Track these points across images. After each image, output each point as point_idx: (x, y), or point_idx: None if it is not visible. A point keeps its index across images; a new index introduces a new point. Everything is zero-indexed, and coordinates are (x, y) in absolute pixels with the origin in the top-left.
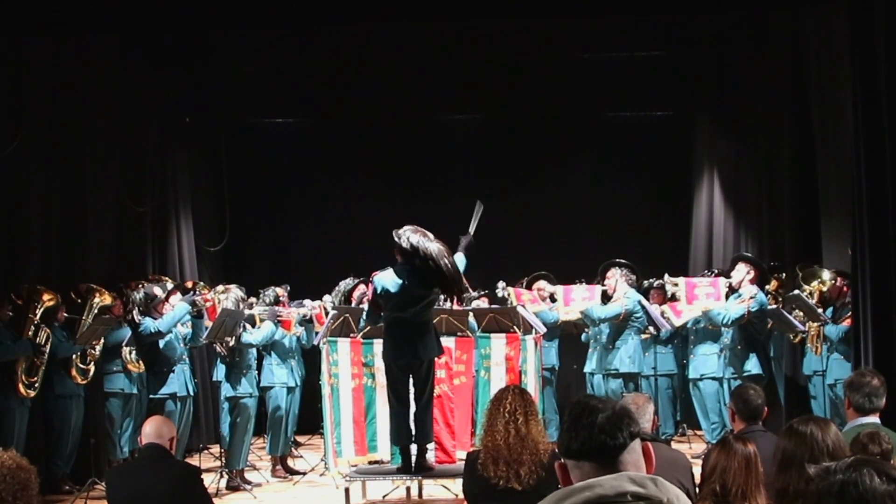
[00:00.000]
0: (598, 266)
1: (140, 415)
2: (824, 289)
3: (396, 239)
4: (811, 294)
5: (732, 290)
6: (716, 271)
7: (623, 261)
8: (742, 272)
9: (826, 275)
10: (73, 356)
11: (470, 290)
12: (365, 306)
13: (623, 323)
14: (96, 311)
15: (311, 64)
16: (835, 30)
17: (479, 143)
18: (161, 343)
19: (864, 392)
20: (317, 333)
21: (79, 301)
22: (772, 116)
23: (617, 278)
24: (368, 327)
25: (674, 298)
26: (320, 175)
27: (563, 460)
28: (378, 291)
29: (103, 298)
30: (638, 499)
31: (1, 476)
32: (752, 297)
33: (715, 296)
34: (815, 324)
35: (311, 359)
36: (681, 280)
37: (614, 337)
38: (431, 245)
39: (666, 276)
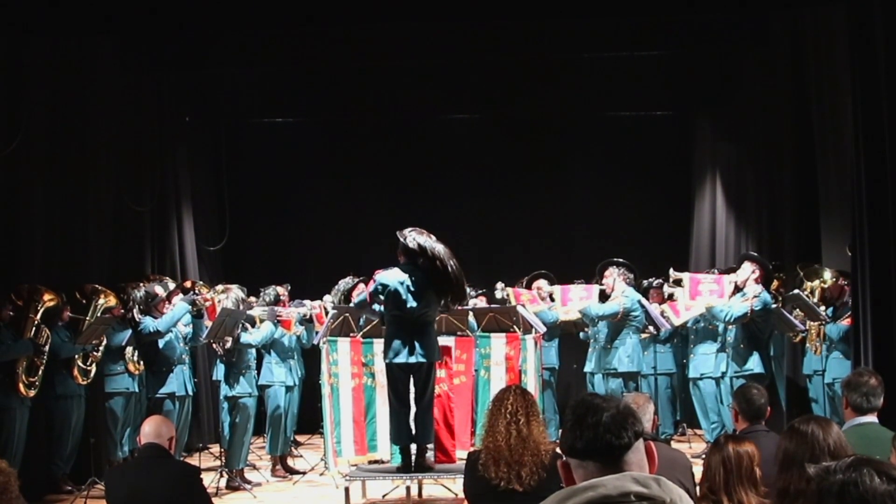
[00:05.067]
0: (597, 266)
1: (139, 414)
2: (826, 285)
3: (402, 239)
4: (811, 292)
5: (738, 289)
6: (717, 271)
7: (621, 260)
8: (747, 271)
9: (827, 274)
10: (76, 356)
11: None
12: None
13: (621, 322)
14: (100, 312)
15: (311, 64)
16: (835, 30)
17: (479, 143)
18: (161, 343)
19: (861, 392)
20: (317, 333)
21: (84, 302)
22: (772, 116)
23: (615, 277)
24: (368, 327)
25: (671, 298)
26: (320, 175)
27: (566, 459)
28: (380, 290)
29: (108, 300)
30: (641, 499)
31: None
32: (755, 296)
33: (718, 293)
34: (816, 323)
35: (311, 358)
36: (685, 275)
37: (612, 336)
38: (438, 246)
39: (671, 270)
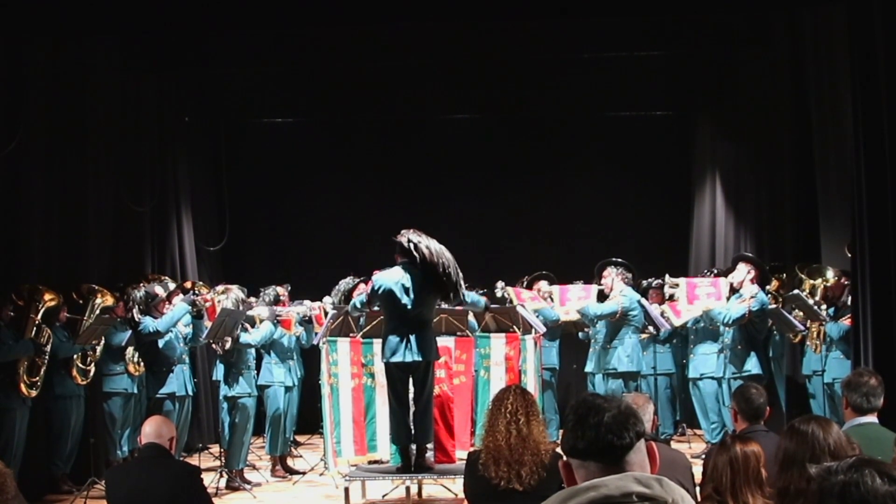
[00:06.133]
0: (596, 266)
1: (139, 415)
2: (828, 283)
3: (396, 239)
4: (813, 290)
5: (734, 291)
6: (715, 271)
7: (619, 259)
8: (742, 272)
9: (830, 273)
10: (74, 356)
11: (464, 295)
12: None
13: (620, 321)
14: (98, 311)
15: (311, 64)
16: (835, 30)
17: (479, 143)
18: (161, 343)
19: (861, 392)
20: (316, 334)
21: (81, 301)
22: (772, 116)
23: (613, 277)
24: (368, 327)
25: (671, 299)
26: (320, 174)
27: (567, 459)
28: (378, 290)
29: (105, 299)
30: (643, 499)
31: None
32: (752, 297)
33: (716, 296)
34: (815, 323)
35: (310, 359)
36: (681, 280)
37: (611, 336)
38: (431, 244)
39: (667, 276)
